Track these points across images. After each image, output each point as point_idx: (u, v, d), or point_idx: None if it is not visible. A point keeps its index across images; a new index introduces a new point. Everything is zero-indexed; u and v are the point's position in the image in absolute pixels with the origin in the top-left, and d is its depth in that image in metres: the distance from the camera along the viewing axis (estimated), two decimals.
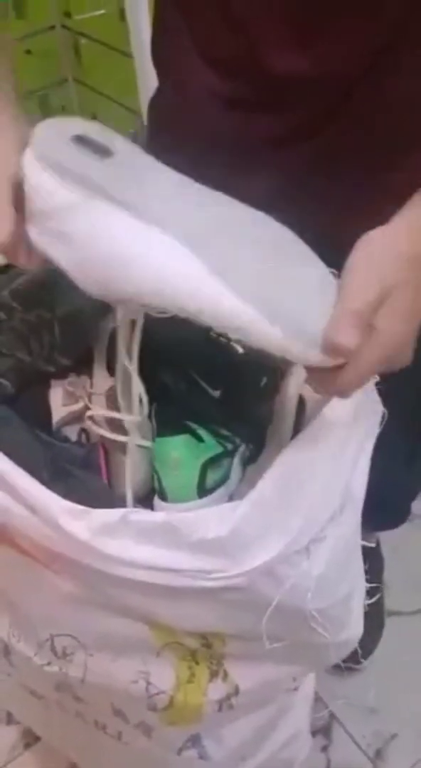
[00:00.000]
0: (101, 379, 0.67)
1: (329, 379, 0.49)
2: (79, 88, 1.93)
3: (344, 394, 0.50)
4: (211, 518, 0.51)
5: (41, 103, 1.89)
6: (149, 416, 0.66)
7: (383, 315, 0.48)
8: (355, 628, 0.63)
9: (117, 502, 0.58)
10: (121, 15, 1.50)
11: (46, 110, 1.91)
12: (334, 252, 0.50)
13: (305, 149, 0.70)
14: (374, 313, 0.47)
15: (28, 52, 1.80)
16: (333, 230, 0.56)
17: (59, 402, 0.68)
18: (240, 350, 0.68)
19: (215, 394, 0.69)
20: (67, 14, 1.75)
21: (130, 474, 0.61)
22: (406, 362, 0.52)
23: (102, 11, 1.59)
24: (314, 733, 1.04)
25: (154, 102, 0.85)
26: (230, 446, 0.64)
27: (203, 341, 0.69)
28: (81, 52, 1.82)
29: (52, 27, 1.83)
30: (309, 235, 0.52)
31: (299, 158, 0.70)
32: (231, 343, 0.68)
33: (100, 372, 0.67)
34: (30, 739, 1.11)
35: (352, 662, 1.10)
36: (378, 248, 0.49)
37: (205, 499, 0.59)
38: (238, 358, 0.68)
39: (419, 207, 0.51)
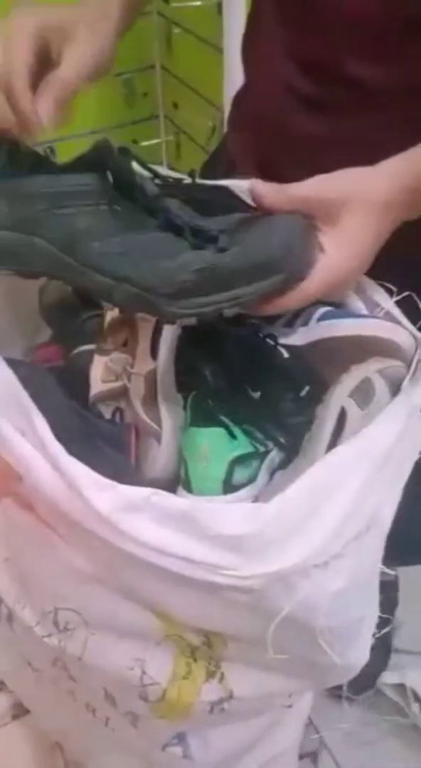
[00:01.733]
0: (143, 361, 0.66)
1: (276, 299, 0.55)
2: (165, 76, 1.93)
3: (285, 306, 0.57)
4: (234, 514, 0.50)
5: (125, 86, 1.90)
6: (184, 405, 0.65)
7: (332, 240, 0.55)
8: (361, 653, 0.61)
9: (142, 485, 0.58)
10: (219, 9, 1.50)
11: (129, 93, 1.92)
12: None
13: (383, 155, 0.69)
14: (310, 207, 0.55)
15: None
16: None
17: (99, 377, 0.68)
18: (286, 355, 0.68)
19: (255, 395, 0.68)
20: (166, 0, 1.76)
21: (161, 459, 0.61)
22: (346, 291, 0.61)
23: (200, 3, 1.59)
24: (301, 756, 1.03)
25: (238, 98, 0.86)
26: (261, 448, 0.63)
27: (250, 340, 0.69)
28: (172, 40, 1.82)
29: (148, 12, 1.84)
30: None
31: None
32: (278, 346, 0.68)
33: (143, 353, 0.67)
34: (19, 711, 1.11)
35: (351, 692, 1.08)
36: (353, 178, 0.56)
37: (229, 496, 0.58)
38: (283, 363, 0.67)
39: (405, 160, 0.57)
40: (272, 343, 0.66)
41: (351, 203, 0.55)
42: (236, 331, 0.69)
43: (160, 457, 0.62)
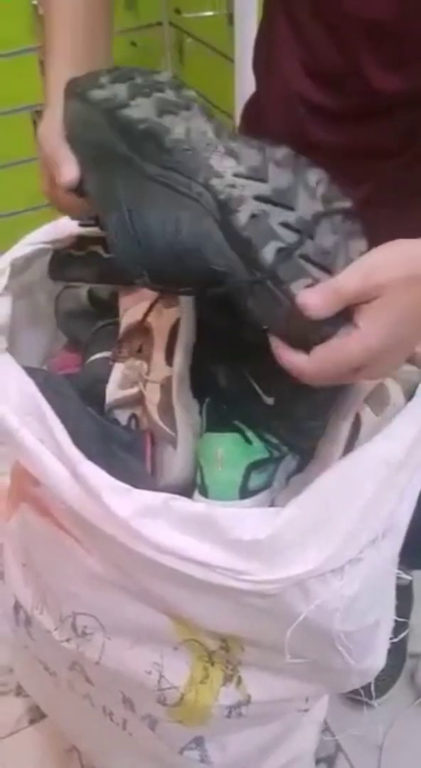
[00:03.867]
0: (159, 368, 0.67)
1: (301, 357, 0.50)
2: None
3: (308, 375, 0.51)
4: (251, 519, 0.50)
5: None
6: (200, 411, 0.66)
7: (367, 317, 0.48)
8: (378, 658, 0.61)
9: (157, 490, 0.58)
10: (230, 19, 1.51)
11: None
12: None
13: (395, 161, 0.70)
14: (357, 302, 0.48)
15: (133, 44, 1.83)
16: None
17: (115, 384, 0.69)
18: None
19: (268, 400, 0.68)
20: (177, 11, 1.77)
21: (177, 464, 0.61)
22: (386, 376, 0.53)
23: (211, 13, 1.60)
24: (318, 761, 1.03)
25: (249, 106, 0.86)
26: (276, 453, 0.64)
27: (264, 345, 0.69)
28: (184, 50, 1.83)
29: (160, 23, 1.85)
30: None
31: (389, 170, 0.70)
32: None
33: (158, 360, 0.67)
34: (35, 716, 1.12)
35: (367, 697, 1.08)
36: (395, 253, 0.50)
37: (246, 501, 0.59)
38: None
39: None
40: None
41: (401, 281, 0.50)
42: (250, 335, 0.69)
43: (176, 462, 0.62)
